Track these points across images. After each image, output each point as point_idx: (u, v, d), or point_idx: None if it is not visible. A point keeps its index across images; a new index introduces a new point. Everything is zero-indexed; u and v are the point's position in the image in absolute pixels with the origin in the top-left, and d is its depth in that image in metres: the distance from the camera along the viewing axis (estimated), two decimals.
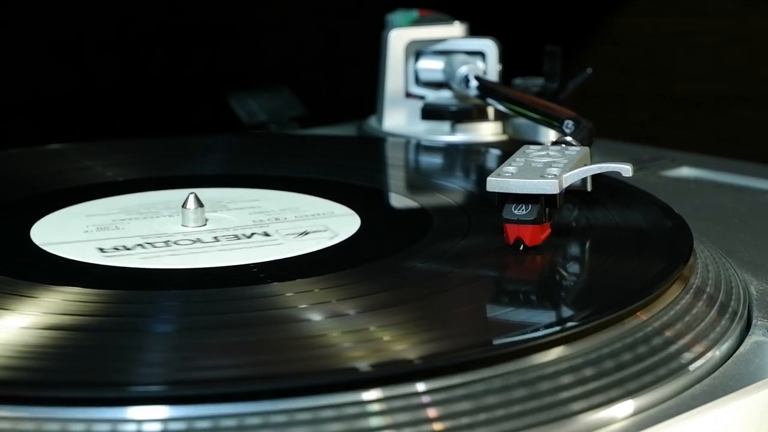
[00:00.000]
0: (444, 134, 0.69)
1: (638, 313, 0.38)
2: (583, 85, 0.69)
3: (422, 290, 0.41)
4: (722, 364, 0.38)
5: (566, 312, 0.39)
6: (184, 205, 0.48)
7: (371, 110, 0.75)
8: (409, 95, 0.72)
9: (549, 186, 0.43)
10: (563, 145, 0.48)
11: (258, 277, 0.42)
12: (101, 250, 0.45)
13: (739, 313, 0.42)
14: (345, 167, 0.60)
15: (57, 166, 0.61)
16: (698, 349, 0.38)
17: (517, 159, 0.46)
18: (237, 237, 0.47)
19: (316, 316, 0.37)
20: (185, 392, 0.32)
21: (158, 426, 0.31)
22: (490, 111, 0.68)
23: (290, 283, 0.41)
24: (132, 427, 0.31)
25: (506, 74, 0.70)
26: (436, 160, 0.63)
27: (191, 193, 0.49)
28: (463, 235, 0.46)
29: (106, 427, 0.31)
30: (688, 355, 0.38)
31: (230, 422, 0.31)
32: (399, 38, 0.71)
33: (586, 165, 0.46)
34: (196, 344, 0.35)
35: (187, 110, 0.96)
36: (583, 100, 0.69)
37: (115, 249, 0.45)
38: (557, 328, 0.36)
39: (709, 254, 0.46)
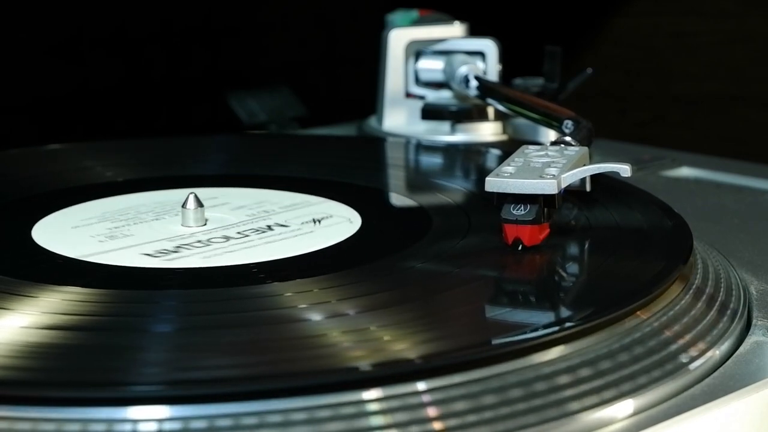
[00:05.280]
0: (444, 134, 0.69)
1: (638, 313, 0.38)
2: (583, 85, 0.69)
3: (421, 293, 0.40)
4: (722, 364, 0.38)
5: (565, 312, 0.39)
6: (184, 205, 0.48)
7: (371, 110, 0.75)
8: (409, 95, 0.72)
9: (547, 186, 0.43)
10: (562, 145, 0.48)
11: (257, 277, 0.42)
12: (100, 250, 0.45)
13: (739, 313, 0.42)
14: (345, 167, 0.60)
15: (57, 166, 0.61)
16: (698, 348, 0.38)
17: (516, 159, 0.46)
18: (237, 237, 0.47)
19: (315, 316, 0.37)
20: (181, 392, 0.32)
21: (154, 426, 0.31)
22: (490, 111, 0.68)
23: (290, 283, 0.41)
24: (128, 427, 0.31)
25: (506, 74, 0.70)
26: (436, 160, 0.63)
27: (191, 193, 0.49)
28: (462, 235, 0.46)
29: (102, 427, 0.31)
30: (688, 355, 0.38)
31: (226, 422, 0.31)
32: (399, 38, 0.71)
33: (585, 165, 0.46)
34: (193, 344, 0.35)
35: (187, 110, 0.96)
36: (583, 100, 0.69)
37: (114, 249, 0.45)
38: (556, 328, 0.36)
39: (709, 254, 0.46)
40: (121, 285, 0.42)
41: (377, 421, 0.32)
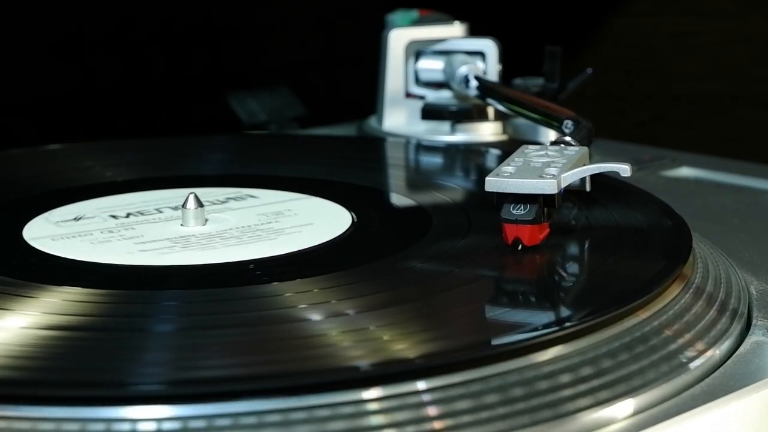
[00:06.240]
0: (444, 134, 0.69)
1: (638, 313, 0.38)
2: (583, 85, 0.69)
3: (421, 300, 0.41)
4: (722, 364, 0.38)
5: (565, 311, 0.39)
6: (184, 205, 0.48)
7: (371, 110, 0.75)
8: (409, 95, 0.72)
9: (547, 186, 0.43)
10: (562, 145, 0.48)
11: (257, 277, 0.42)
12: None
13: (739, 313, 0.42)
14: (345, 167, 0.60)
15: (57, 166, 0.61)
16: (698, 348, 0.38)
17: (516, 159, 0.46)
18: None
19: (315, 316, 0.37)
20: (180, 392, 0.32)
21: (153, 425, 0.31)
22: (490, 111, 0.68)
23: (289, 283, 0.41)
24: (126, 426, 0.31)
25: (506, 74, 0.70)
26: (436, 160, 0.63)
27: (191, 193, 0.49)
28: (462, 235, 0.46)
29: (101, 426, 0.31)
30: (688, 355, 0.38)
31: (225, 422, 0.31)
32: (399, 38, 0.71)
33: (584, 165, 0.46)
34: (193, 344, 0.35)
35: (187, 110, 0.96)
36: (583, 100, 0.69)
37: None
38: (556, 328, 0.36)
39: (709, 254, 0.46)
40: (120, 285, 0.42)
41: (377, 420, 0.32)
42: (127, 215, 0.50)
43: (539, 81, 0.69)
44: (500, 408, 0.33)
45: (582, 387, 0.35)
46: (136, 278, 0.42)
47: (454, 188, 0.55)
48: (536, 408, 0.33)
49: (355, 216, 0.50)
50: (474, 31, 0.73)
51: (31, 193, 0.55)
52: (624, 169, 0.44)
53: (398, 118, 0.72)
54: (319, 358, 0.34)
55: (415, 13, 0.74)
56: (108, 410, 0.31)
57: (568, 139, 0.49)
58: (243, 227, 0.48)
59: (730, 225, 0.54)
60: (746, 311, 0.42)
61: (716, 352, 0.39)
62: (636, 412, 0.35)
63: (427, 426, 0.32)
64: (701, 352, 0.38)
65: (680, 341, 0.38)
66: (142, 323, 0.38)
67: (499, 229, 0.44)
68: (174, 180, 0.56)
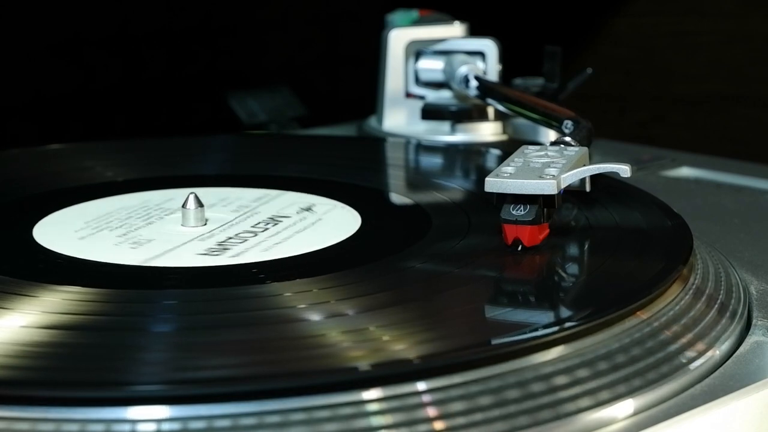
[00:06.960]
0: (444, 134, 0.69)
1: (638, 313, 0.38)
2: (583, 86, 0.69)
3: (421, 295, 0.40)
4: (722, 364, 0.38)
5: (565, 312, 0.39)
6: (184, 205, 0.48)
7: (371, 110, 0.75)
8: (409, 95, 0.72)
9: (547, 186, 0.43)
10: (562, 145, 0.48)
11: (257, 277, 0.42)
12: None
13: (739, 313, 0.42)
14: (345, 167, 0.60)
15: (57, 166, 0.61)
16: (698, 348, 0.38)
17: (516, 159, 0.46)
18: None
19: (314, 316, 0.37)
20: (180, 392, 0.32)
21: (153, 426, 0.31)
22: (490, 111, 0.68)
23: (289, 283, 0.41)
24: (126, 427, 0.31)
25: (506, 74, 0.70)
26: (436, 160, 0.63)
27: (191, 193, 0.49)
28: (462, 235, 0.46)
29: (101, 427, 0.31)
30: (688, 355, 0.38)
31: (225, 422, 0.31)
32: (399, 38, 0.71)
33: (584, 165, 0.46)
34: (193, 344, 0.35)
35: (187, 110, 0.96)
36: (583, 101, 0.69)
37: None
38: (556, 328, 0.36)
39: (709, 254, 0.46)
40: (120, 285, 0.42)
41: (376, 421, 0.32)
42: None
43: (539, 81, 0.69)
44: (500, 409, 0.33)
45: (582, 387, 0.35)
46: (135, 278, 0.42)
47: (454, 188, 0.55)
48: (536, 408, 0.33)
49: (361, 217, 0.50)
50: (474, 31, 0.73)
51: (31, 193, 0.55)
52: (624, 170, 0.44)
53: (398, 118, 0.72)
54: (318, 358, 0.34)
55: (415, 13, 0.74)
56: (108, 411, 0.31)
57: (567, 139, 0.49)
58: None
59: (730, 225, 0.54)
60: (746, 311, 0.42)
61: (716, 353, 0.39)
62: (636, 413, 0.35)
63: (427, 427, 0.32)
64: (701, 353, 0.38)
65: (680, 341, 0.38)
66: (142, 323, 0.38)
67: (498, 230, 0.44)
68: (174, 180, 0.56)
